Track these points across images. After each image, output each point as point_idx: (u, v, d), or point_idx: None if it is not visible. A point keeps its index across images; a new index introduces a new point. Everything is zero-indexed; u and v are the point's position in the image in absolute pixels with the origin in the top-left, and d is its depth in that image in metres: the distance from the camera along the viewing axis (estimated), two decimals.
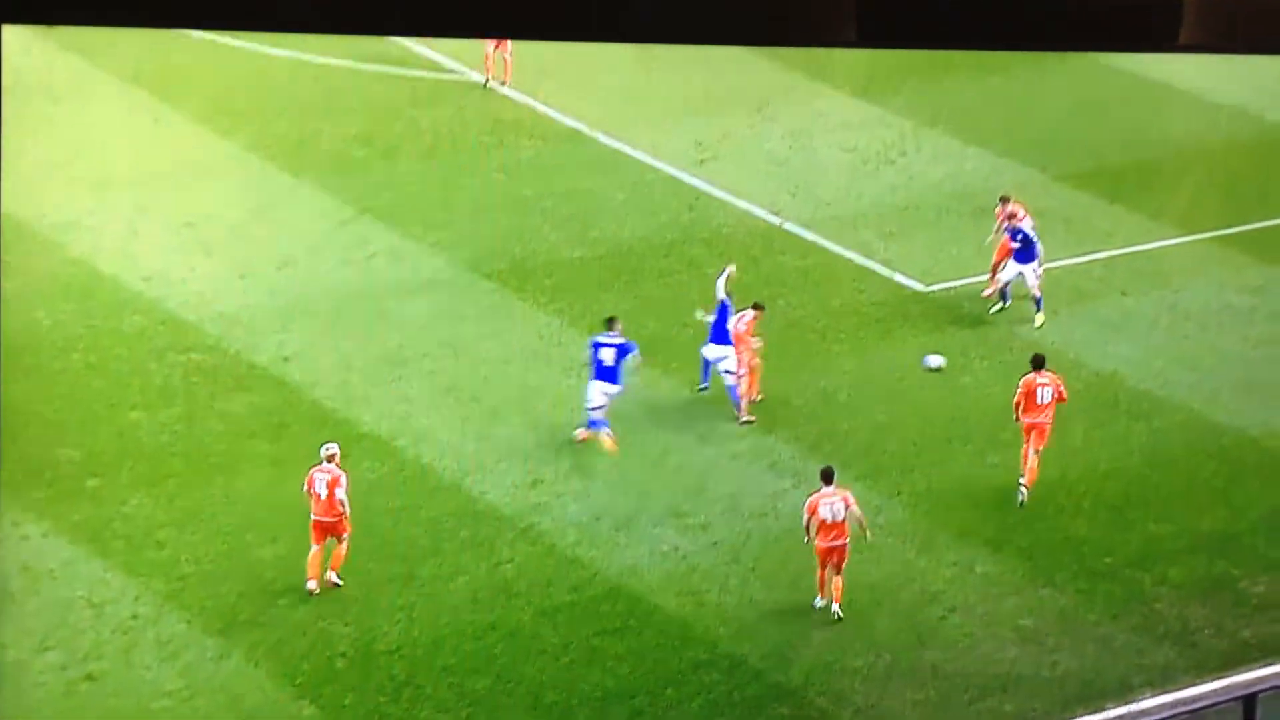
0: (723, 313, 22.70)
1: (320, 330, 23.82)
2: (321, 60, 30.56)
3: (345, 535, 19.40)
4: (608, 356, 21.96)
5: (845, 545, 19.28)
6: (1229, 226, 27.26)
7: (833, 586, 19.33)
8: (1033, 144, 29.72)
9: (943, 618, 19.48)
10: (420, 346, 23.59)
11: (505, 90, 29.92)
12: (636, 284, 25.02)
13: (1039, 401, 21.43)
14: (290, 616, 18.92)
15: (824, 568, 19.36)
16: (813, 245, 26.43)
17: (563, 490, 21.04)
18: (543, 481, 21.12)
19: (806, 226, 26.87)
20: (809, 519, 19.27)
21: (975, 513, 21.08)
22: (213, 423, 21.85)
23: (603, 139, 28.96)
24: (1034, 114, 30.96)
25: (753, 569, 19.98)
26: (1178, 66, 32.43)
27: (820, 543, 19.26)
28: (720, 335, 22.63)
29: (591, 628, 19.03)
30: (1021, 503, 21.19)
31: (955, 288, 25.53)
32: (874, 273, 25.76)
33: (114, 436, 21.45)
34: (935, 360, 23.41)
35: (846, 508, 19.32)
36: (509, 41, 29.71)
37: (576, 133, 29.10)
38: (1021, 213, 25.00)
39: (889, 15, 7.81)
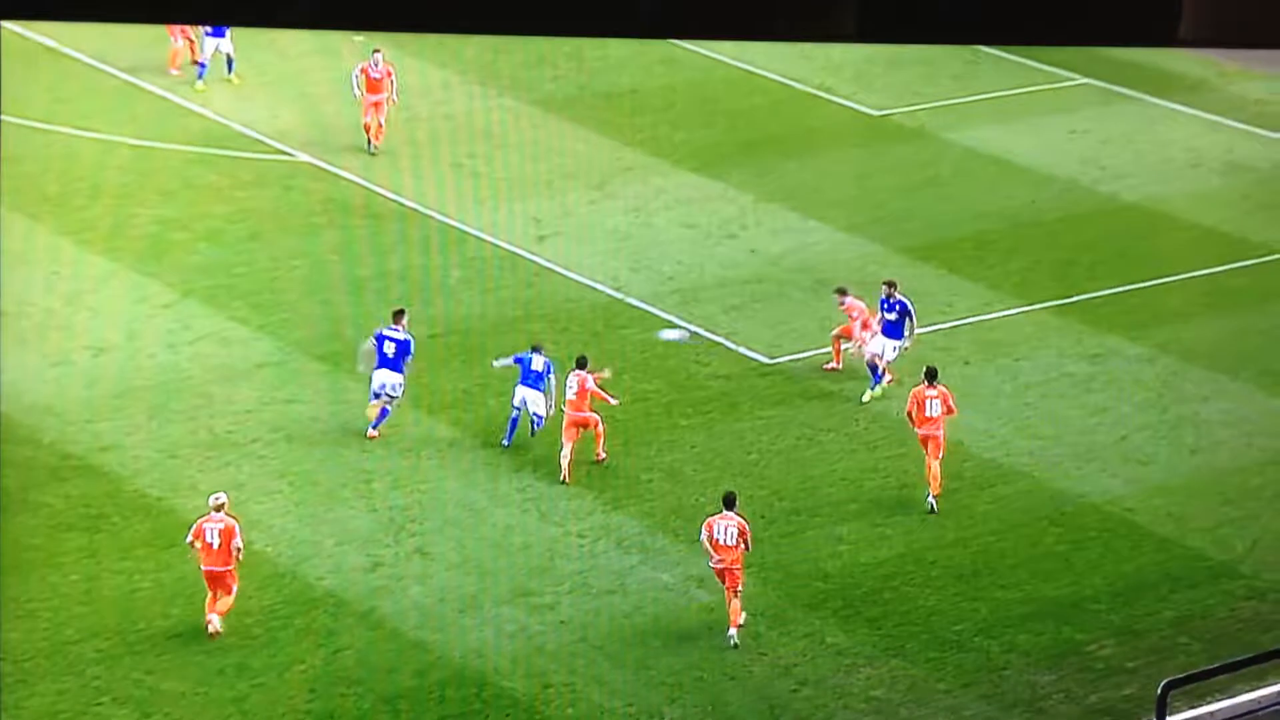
0: (521, 361, 22.91)
1: (142, 418, 22.84)
2: (136, 143, 29.66)
3: (234, 586, 19.28)
4: (390, 349, 22.99)
5: (739, 570, 19.73)
6: (1066, 297, 27.36)
7: (731, 610, 19.63)
8: (873, 218, 29.63)
9: (795, 690, 19.03)
10: (250, 431, 22.71)
11: (336, 169, 29.24)
12: (476, 362, 24.35)
13: (927, 414, 22.24)
14: (115, 714, 17.89)
15: (727, 591, 19.88)
16: (656, 319, 25.99)
17: (404, 573, 20.26)
18: (383, 564, 20.34)
19: (649, 301, 26.44)
20: (706, 536, 19.90)
21: (825, 585, 20.68)
22: (27, 517, 20.79)
23: (438, 217, 28.34)
24: (873, 188, 30.89)
25: (600, 648, 19.32)
26: (1013, 141, 32.71)
27: (714, 564, 19.91)
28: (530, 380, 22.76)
29: (437, 713, 18.25)
30: (931, 510, 21.96)
31: (799, 360, 25.21)
32: (718, 346, 25.37)
33: None
34: (672, 334, 24.36)
35: (739, 534, 19.81)
36: (384, 104, 29.34)
37: (412, 211, 28.46)
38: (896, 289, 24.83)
39: (888, 8, 7.59)
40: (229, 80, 31.69)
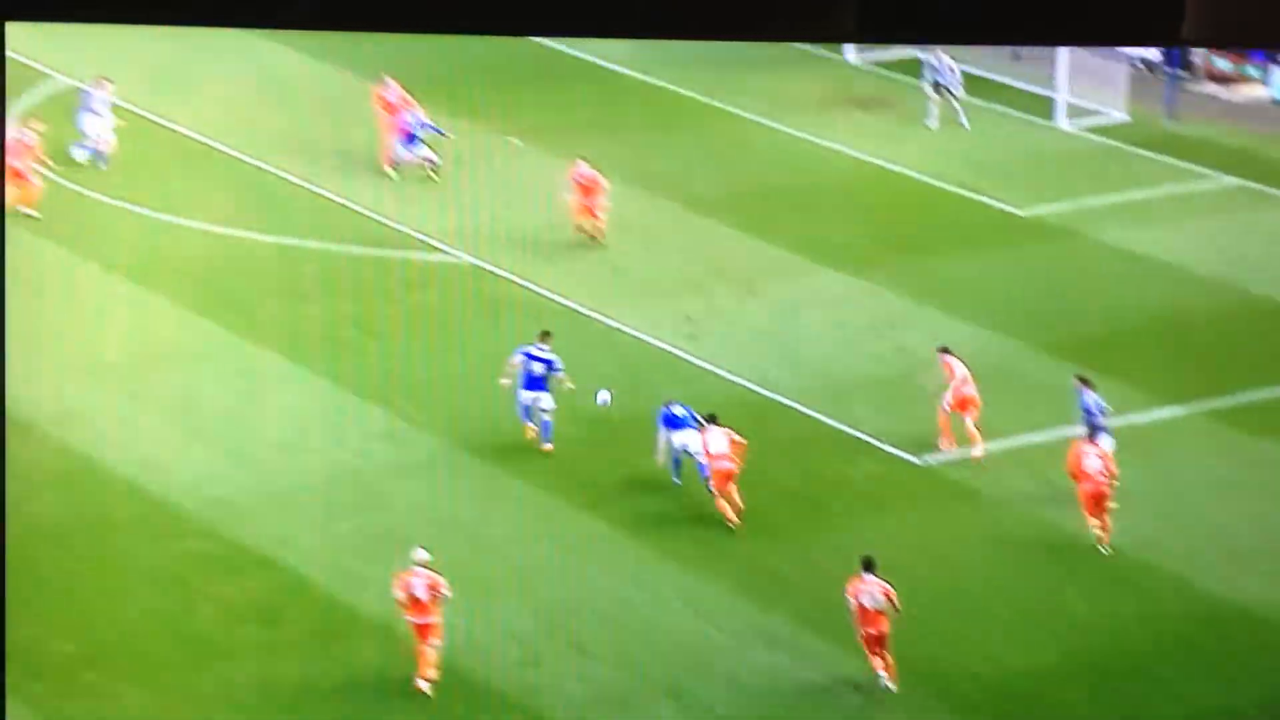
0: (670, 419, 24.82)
1: (314, 513, 23.87)
2: (311, 245, 30.81)
3: (440, 634, 21.15)
4: (538, 369, 25.67)
5: (885, 632, 21.16)
6: (1217, 398, 27.49)
7: (883, 663, 21.15)
8: (1019, 316, 30.01)
9: None
10: (416, 527, 23.63)
11: (496, 269, 30.24)
12: (631, 460, 25.12)
13: (1084, 467, 24.22)
14: None
15: (870, 652, 21.24)
16: (802, 417, 26.64)
17: (561, 669, 20.99)
18: (541, 660, 21.09)
19: (797, 399, 27.10)
20: (853, 603, 21.34)
21: (975, 687, 21.06)
22: (207, 609, 21.83)
23: (593, 315, 29.24)
24: (1020, 286, 31.29)
25: None
26: (1161, 237, 32.97)
27: (862, 630, 21.26)
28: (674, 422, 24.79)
29: None
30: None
31: (948, 460, 25.68)
32: (866, 444, 25.92)
33: (110, 628, 21.42)
34: (603, 396, 25.74)
35: (886, 599, 21.24)
36: (599, 195, 31.04)
37: (570, 311, 29.37)
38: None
39: (888, 8, 7.76)
40: (431, 176, 32.77)
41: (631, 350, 28.35)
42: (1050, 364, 28.57)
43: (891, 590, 21.00)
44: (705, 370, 27.86)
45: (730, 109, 37.63)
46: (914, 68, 41.09)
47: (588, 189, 31.49)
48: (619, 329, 28.92)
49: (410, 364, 27.74)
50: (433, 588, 21.15)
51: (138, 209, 30.90)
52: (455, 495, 24.46)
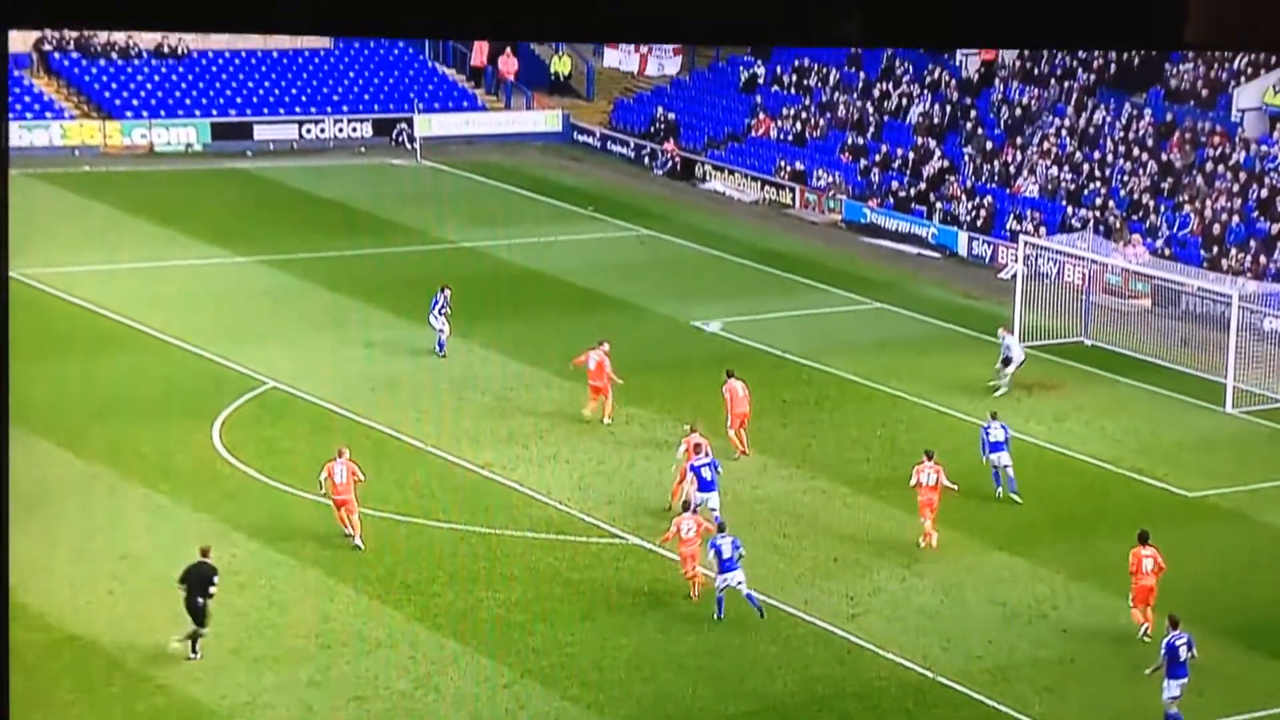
0: None
1: None
2: (486, 531, 31.76)
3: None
4: (706, 473, 31.36)
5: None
6: None
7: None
8: (1188, 600, 29.76)
9: None
10: None
11: (660, 550, 30.96)
12: None
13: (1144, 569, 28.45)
14: None
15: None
16: (964, 698, 26.77)
17: None
18: None
19: (959, 680, 27.26)
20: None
21: None
22: None
23: (756, 595, 29.74)
24: (1188, 569, 31.16)
25: None
26: None
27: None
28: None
29: None
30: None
31: None
32: None
33: None
34: None
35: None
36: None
37: (732, 591, 29.88)
38: None
39: (892, 14, 7.64)
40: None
41: (795, 629, 28.74)
42: (1224, 648, 28.39)
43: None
44: (866, 649, 28.16)
45: (895, 392, 38.48)
46: (1078, 352, 41.68)
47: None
48: (780, 608, 29.42)
49: (576, 645, 28.22)
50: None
51: (327, 501, 32.16)
52: None
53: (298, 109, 60.92)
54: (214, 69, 61.06)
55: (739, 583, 28.61)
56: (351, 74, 62.74)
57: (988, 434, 33.36)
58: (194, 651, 27.01)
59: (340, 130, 60.67)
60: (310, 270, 46.15)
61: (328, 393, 36.63)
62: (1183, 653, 26.12)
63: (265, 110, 60.51)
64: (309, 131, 60.32)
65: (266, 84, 61.37)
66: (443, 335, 39.84)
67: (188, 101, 59.74)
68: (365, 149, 59.99)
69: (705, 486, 31.46)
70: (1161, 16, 7.78)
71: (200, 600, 26.89)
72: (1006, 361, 38.35)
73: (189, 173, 56.17)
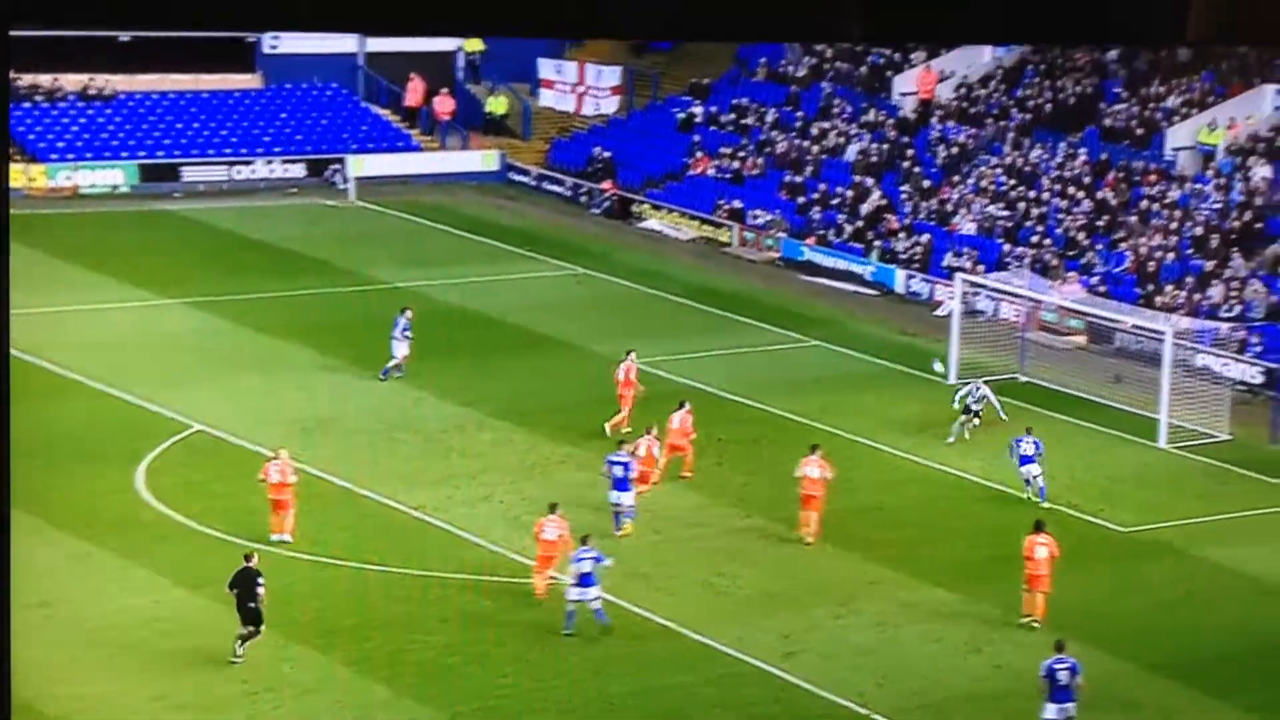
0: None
1: None
2: (419, 574, 31.31)
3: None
4: (620, 470, 32.28)
5: None
6: None
7: None
8: (1124, 635, 29.82)
9: None
10: None
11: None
12: None
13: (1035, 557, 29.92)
14: None
15: None
16: None
17: None
18: None
19: (895, 717, 27.01)
20: None
21: None
22: None
23: (690, 635, 29.46)
24: (1123, 605, 31.18)
25: None
26: (1267, 561, 32.72)
27: None
28: None
29: None
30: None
31: None
32: None
33: None
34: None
35: None
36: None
37: (665, 629, 29.65)
38: None
39: (892, 10, 7.40)
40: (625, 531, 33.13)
41: (730, 668, 28.46)
42: (1157, 683, 28.28)
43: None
44: (800, 687, 27.88)
45: (833, 430, 38.31)
46: (1014, 389, 41.67)
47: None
48: (715, 647, 29.12)
49: (509, 688, 27.85)
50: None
51: (255, 545, 31.71)
52: None
53: (227, 150, 60.45)
54: (141, 110, 60.55)
55: (595, 599, 28.81)
56: (283, 115, 62.37)
57: (1019, 446, 35.00)
58: (238, 654, 27.71)
59: (271, 171, 60.23)
60: (240, 312, 45.70)
61: (257, 435, 36.15)
62: (1063, 677, 26.10)
63: (194, 152, 60.03)
64: (239, 173, 59.83)
65: (195, 125, 60.90)
66: (401, 358, 40.07)
67: (114, 144, 59.22)
68: (297, 190, 59.60)
69: (619, 485, 32.39)
70: (1163, 13, 7.60)
71: (251, 604, 27.83)
72: (967, 410, 37.97)
73: (116, 214, 55.62)
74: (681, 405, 35.95)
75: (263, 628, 27.91)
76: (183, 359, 42.19)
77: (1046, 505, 34.22)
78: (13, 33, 7.83)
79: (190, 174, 59.08)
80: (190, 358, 42.29)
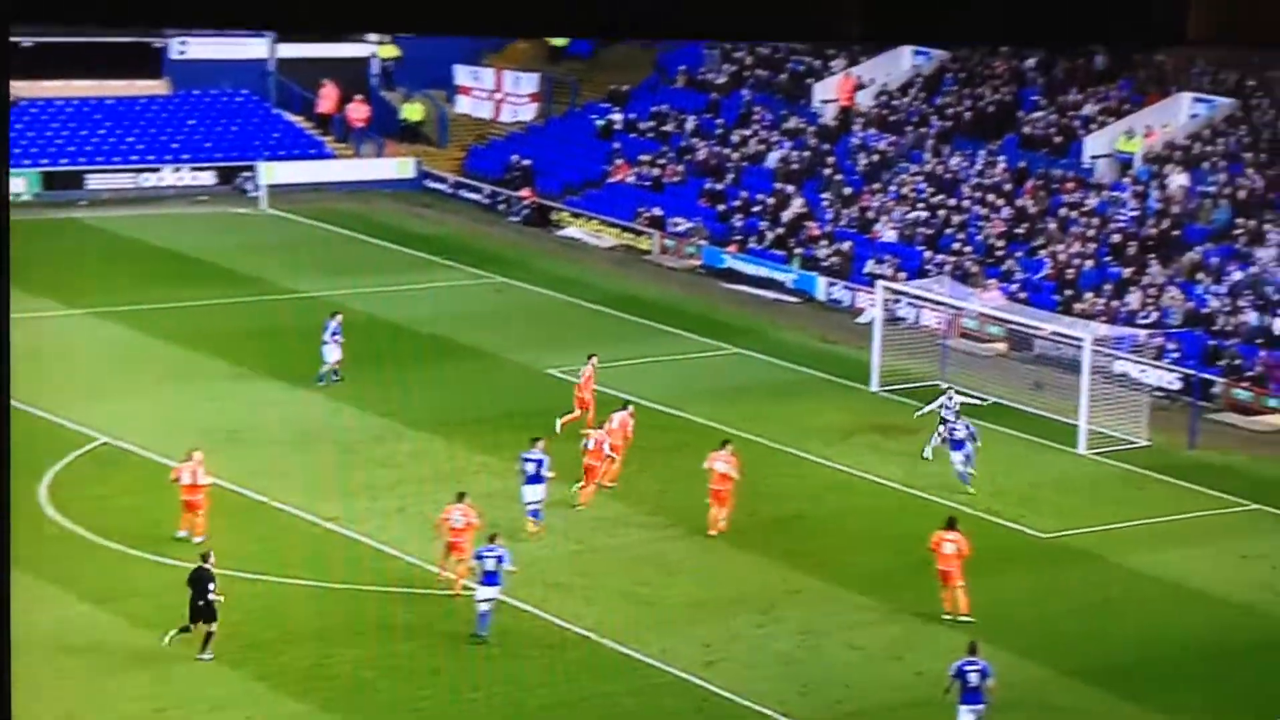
0: None
1: None
2: (339, 586, 30.71)
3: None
4: (531, 467, 32.40)
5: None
6: None
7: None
8: (1044, 641, 29.70)
9: None
10: None
11: (514, 601, 30.08)
12: None
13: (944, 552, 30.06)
14: None
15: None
16: None
17: None
18: None
19: None
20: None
21: None
22: None
23: (610, 645, 29.05)
24: (1044, 610, 31.05)
25: None
26: (1186, 563, 32.67)
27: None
28: None
29: None
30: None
31: None
32: None
33: None
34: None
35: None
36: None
37: (585, 639, 29.20)
38: None
39: (892, 11, 7.35)
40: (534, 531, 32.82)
41: (651, 679, 28.06)
42: (1079, 689, 28.13)
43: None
44: (723, 697, 27.54)
45: (754, 438, 38.00)
46: (935, 396, 41.52)
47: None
48: (637, 657, 28.71)
49: (427, 700, 27.43)
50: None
51: (160, 559, 31.03)
52: None
53: (134, 157, 59.51)
54: (44, 118, 59.52)
55: (489, 599, 28.68)
56: (192, 121, 61.47)
57: (953, 432, 36.02)
58: (205, 651, 27.90)
59: (180, 179, 59.35)
60: (149, 322, 44.89)
61: (166, 448, 35.38)
62: (973, 679, 26.15)
63: (99, 159, 59.04)
64: (146, 180, 58.92)
65: (101, 132, 59.92)
66: (334, 362, 39.92)
67: (16, 151, 58.17)
68: (207, 198, 58.77)
69: (532, 481, 32.63)
70: (1163, 14, 7.43)
71: (200, 602, 28.05)
72: (944, 421, 37.59)
73: (18, 223, 54.13)
74: (624, 406, 36.06)
75: (215, 624, 28.07)
76: (90, 370, 41.36)
77: (965, 493, 35.03)
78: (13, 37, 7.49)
79: (95, 182, 58.10)
80: (97, 369, 41.46)
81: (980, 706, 26.19)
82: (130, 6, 7.44)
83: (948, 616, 29.85)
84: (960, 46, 53.47)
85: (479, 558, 29.16)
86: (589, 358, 38.71)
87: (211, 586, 28.11)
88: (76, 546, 31.68)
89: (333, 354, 40.09)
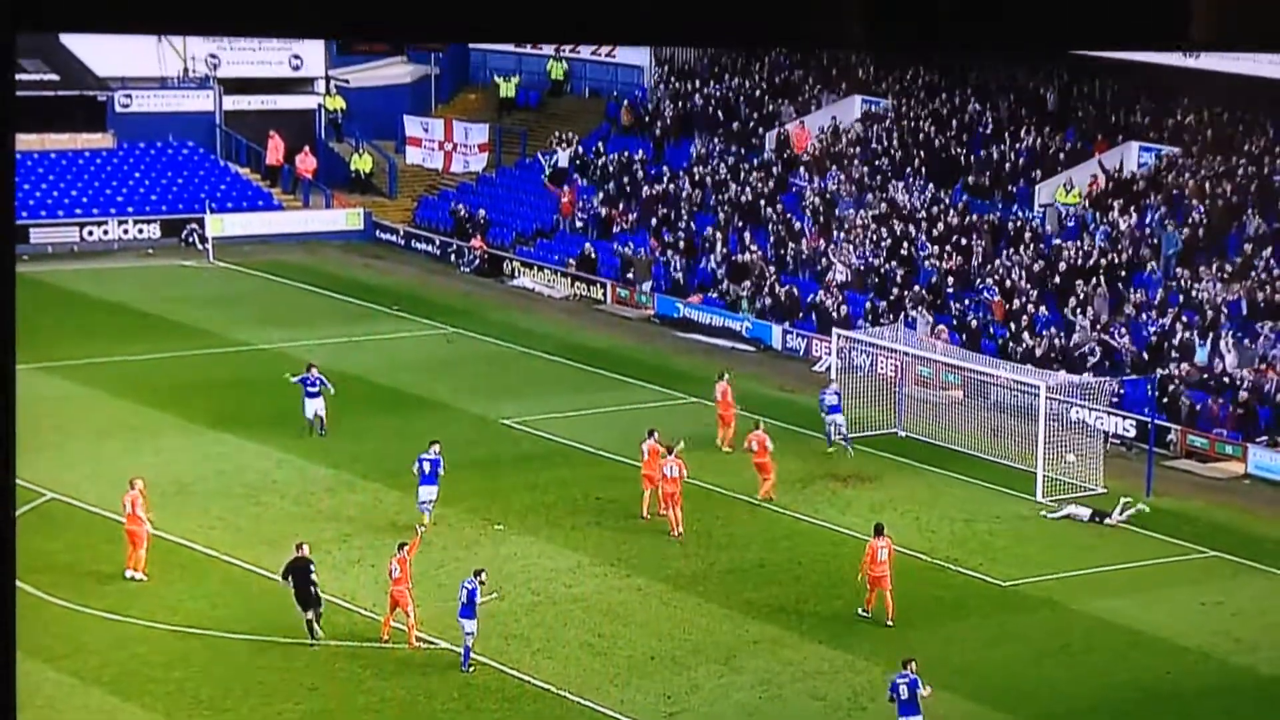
0: None
1: None
2: (287, 641, 30.21)
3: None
4: (427, 467, 34.29)
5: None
6: None
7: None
8: (1003, 687, 29.45)
9: None
10: None
11: (477, 656, 29.68)
12: None
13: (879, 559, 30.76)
14: None
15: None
16: None
17: None
18: None
19: None
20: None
21: None
22: None
23: (570, 697, 28.62)
24: (1002, 657, 30.82)
25: None
26: (1142, 609, 32.52)
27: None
28: None
29: None
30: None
31: None
32: None
33: None
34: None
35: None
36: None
37: (543, 692, 28.76)
38: None
39: (895, 16, 7.31)
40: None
41: None
42: None
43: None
44: None
45: (713, 488, 37.69)
46: (893, 444, 41.38)
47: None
48: (596, 709, 28.28)
49: None
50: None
51: (108, 615, 30.50)
52: None
53: (78, 211, 58.90)
54: None
55: (469, 632, 28.90)
56: (137, 174, 60.93)
57: (824, 398, 39.67)
58: (314, 636, 29.44)
59: (125, 232, 58.78)
60: (93, 376, 44.31)
61: (112, 503, 34.74)
62: (904, 692, 26.41)
63: (43, 213, 58.38)
64: (90, 234, 58.33)
65: (44, 186, 59.29)
66: (318, 414, 39.74)
67: None
68: (153, 250, 58.20)
69: (426, 480, 34.18)
70: (1168, 16, 7.32)
71: (309, 589, 29.58)
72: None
73: None
74: (722, 376, 40.54)
75: (322, 608, 29.65)
76: (35, 425, 40.68)
77: (852, 452, 39.25)
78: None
79: (39, 235, 57.44)
80: (43, 423, 40.79)
81: (917, 718, 26.34)
82: (131, 8, 7.23)
83: (865, 614, 30.97)
84: (961, 53, 53.66)
85: (465, 586, 29.34)
86: (721, 375, 41.17)
87: (313, 573, 29.55)
88: (23, 603, 31.02)
89: (313, 406, 39.62)
